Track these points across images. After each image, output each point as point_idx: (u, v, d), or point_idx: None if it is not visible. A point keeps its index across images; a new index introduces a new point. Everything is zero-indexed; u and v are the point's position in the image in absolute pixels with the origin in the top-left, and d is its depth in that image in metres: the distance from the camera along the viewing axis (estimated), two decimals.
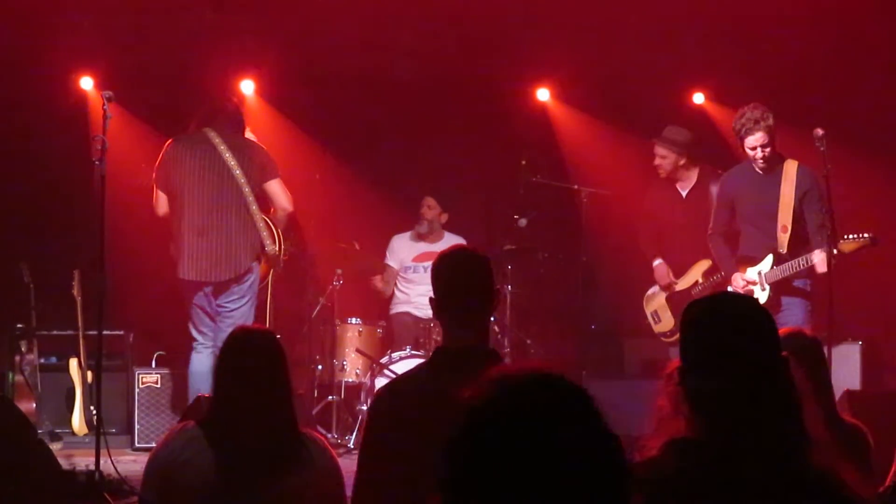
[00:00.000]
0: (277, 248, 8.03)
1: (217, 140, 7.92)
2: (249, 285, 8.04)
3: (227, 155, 7.89)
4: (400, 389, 3.74)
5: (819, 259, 7.42)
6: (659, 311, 8.95)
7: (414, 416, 3.47)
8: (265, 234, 7.97)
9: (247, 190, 7.92)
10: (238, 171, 7.89)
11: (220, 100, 8.30)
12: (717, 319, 2.68)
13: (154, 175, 7.95)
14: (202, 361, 8.10)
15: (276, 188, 8.04)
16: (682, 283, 8.78)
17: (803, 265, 7.49)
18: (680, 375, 2.64)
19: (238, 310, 8.04)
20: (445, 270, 3.73)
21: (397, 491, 3.46)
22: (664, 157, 8.86)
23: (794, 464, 2.52)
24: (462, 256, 3.79)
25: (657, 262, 8.93)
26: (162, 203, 7.93)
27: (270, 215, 8.12)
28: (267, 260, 8.05)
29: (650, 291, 9.07)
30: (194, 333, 8.09)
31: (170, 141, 7.99)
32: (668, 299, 8.87)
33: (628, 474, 1.79)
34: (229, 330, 7.95)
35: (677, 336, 8.47)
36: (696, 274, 8.69)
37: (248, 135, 8.31)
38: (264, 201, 8.15)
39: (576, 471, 1.72)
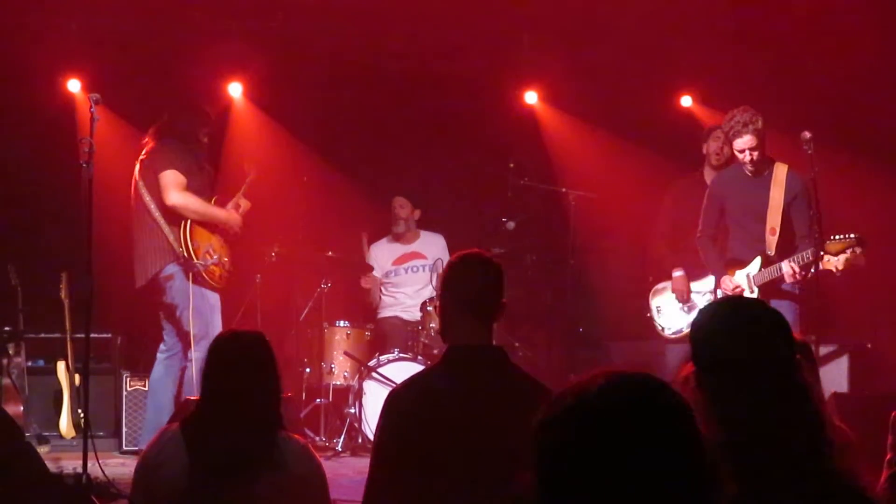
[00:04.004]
0: (185, 251, 7.93)
1: (144, 150, 8.10)
2: (176, 290, 7.99)
3: (138, 164, 8.05)
4: (417, 388, 3.77)
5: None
6: (664, 306, 8.71)
7: (432, 413, 3.52)
8: (172, 237, 7.96)
9: (148, 198, 7.98)
10: (141, 182, 8.01)
11: (174, 107, 8.28)
12: (735, 323, 2.69)
13: None
14: (156, 369, 8.24)
15: (161, 181, 7.94)
16: (701, 285, 8.53)
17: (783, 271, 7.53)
18: (697, 379, 2.65)
19: (174, 317, 8.06)
20: (463, 273, 3.83)
21: (413, 488, 3.48)
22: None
23: (818, 466, 2.53)
24: (479, 260, 3.88)
25: (678, 272, 8.56)
26: None
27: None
28: (180, 263, 8.02)
29: (661, 285, 8.83)
30: None
31: None
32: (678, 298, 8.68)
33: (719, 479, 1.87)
34: (183, 339, 8.01)
35: (677, 334, 8.46)
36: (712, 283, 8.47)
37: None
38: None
39: (672, 473, 1.79)
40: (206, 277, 8.01)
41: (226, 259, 8.22)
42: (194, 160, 8.11)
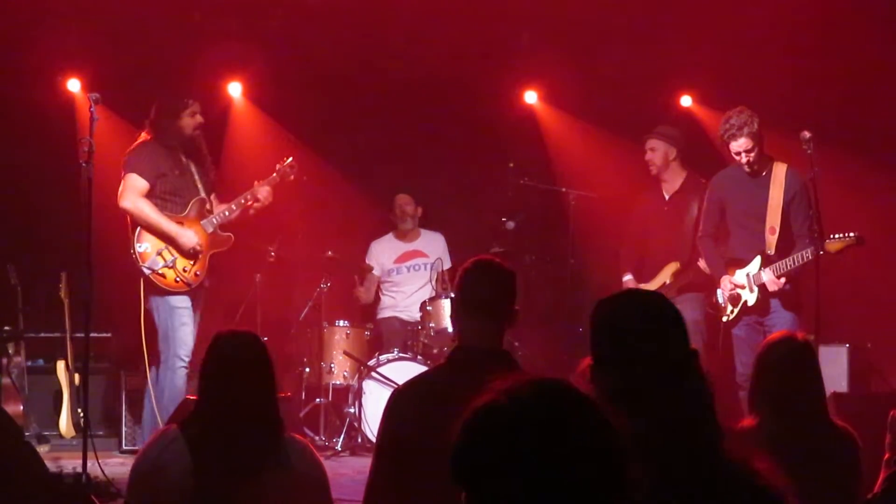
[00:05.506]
0: (133, 253, 7.84)
1: None
2: (146, 290, 7.93)
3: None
4: (420, 388, 3.79)
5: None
6: None
7: (434, 414, 3.52)
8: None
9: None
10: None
11: (157, 101, 8.18)
12: (626, 316, 2.72)
13: None
14: (151, 369, 8.09)
15: (122, 185, 7.91)
16: (652, 285, 8.80)
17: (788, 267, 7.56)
18: (591, 373, 2.66)
19: (147, 315, 7.99)
20: (477, 277, 3.86)
21: (413, 488, 3.48)
22: (654, 150, 8.85)
23: (708, 455, 2.54)
24: (493, 265, 3.91)
25: (627, 277, 9.02)
26: None
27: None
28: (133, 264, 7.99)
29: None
30: None
31: None
32: None
33: (626, 478, 1.85)
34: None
35: None
36: (665, 275, 8.75)
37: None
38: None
39: (579, 476, 1.78)
40: (154, 281, 7.87)
41: (189, 263, 7.95)
42: (169, 160, 7.99)
